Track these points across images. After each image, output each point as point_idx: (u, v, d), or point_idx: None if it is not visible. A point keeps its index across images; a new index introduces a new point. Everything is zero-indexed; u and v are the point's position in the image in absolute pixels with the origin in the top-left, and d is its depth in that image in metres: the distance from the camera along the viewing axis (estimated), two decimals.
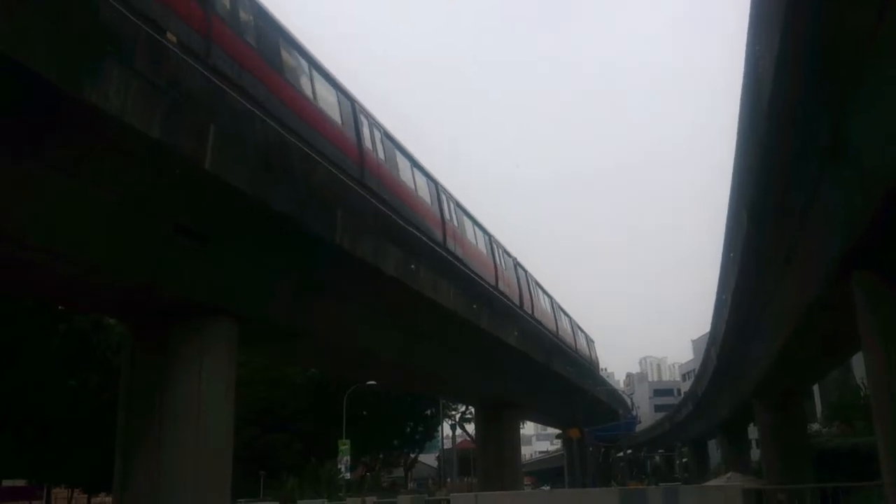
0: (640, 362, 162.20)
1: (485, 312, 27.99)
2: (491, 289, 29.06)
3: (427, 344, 27.25)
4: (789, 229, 17.75)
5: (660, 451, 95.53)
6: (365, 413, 55.23)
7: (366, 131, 20.42)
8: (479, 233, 30.02)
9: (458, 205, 27.45)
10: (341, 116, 19.29)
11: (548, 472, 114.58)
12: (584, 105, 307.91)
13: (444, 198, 25.83)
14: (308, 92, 17.76)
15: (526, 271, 35.27)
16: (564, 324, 45.06)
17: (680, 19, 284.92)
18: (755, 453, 56.19)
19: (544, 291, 40.15)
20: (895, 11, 9.30)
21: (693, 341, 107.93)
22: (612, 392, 70.50)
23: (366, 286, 20.47)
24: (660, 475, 79.86)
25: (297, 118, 16.39)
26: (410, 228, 21.79)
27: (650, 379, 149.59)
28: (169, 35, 11.62)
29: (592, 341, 56.40)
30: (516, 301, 31.92)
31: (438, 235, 24.42)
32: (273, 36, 16.66)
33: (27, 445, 35.96)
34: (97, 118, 10.69)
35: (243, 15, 15.33)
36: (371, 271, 19.53)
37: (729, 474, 38.93)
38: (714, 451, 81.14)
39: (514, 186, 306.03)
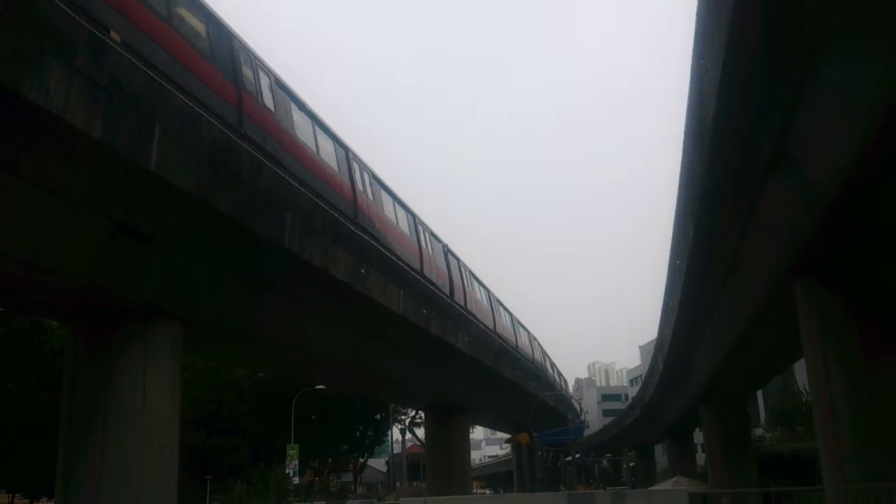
0: (589, 368, 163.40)
1: (434, 316, 27.94)
2: (440, 293, 28.79)
3: (377, 346, 27.11)
4: (734, 238, 18.05)
5: (608, 455, 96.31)
6: (314, 417, 54.72)
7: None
8: (400, 209, 26.92)
9: (373, 176, 24.60)
10: None
11: (497, 477, 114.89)
12: (521, 117, 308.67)
13: (355, 165, 22.86)
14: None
15: (458, 259, 33.49)
16: (504, 319, 43.35)
17: (633, 31, 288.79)
18: (701, 458, 56.95)
19: (480, 283, 38.45)
20: (838, 30, 9.50)
21: (641, 347, 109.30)
22: (561, 397, 70.84)
23: (315, 288, 20.28)
24: (608, 479, 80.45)
25: None
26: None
27: (598, 384, 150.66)
28: (112, 34, 11.39)
29: (535, 339, 55.97)
30: (446, 290, 29.89)
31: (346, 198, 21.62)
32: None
33: None
34: (38, 116, 10.44)
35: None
36: (320, 273, 19.37)
37: (675, 478, 39.37)
38: (661, 455, 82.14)
39: (460, 189, 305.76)
